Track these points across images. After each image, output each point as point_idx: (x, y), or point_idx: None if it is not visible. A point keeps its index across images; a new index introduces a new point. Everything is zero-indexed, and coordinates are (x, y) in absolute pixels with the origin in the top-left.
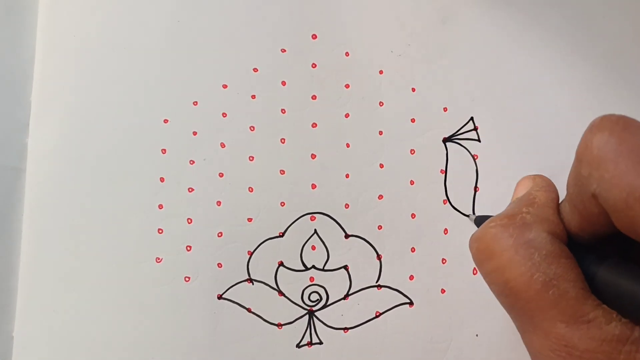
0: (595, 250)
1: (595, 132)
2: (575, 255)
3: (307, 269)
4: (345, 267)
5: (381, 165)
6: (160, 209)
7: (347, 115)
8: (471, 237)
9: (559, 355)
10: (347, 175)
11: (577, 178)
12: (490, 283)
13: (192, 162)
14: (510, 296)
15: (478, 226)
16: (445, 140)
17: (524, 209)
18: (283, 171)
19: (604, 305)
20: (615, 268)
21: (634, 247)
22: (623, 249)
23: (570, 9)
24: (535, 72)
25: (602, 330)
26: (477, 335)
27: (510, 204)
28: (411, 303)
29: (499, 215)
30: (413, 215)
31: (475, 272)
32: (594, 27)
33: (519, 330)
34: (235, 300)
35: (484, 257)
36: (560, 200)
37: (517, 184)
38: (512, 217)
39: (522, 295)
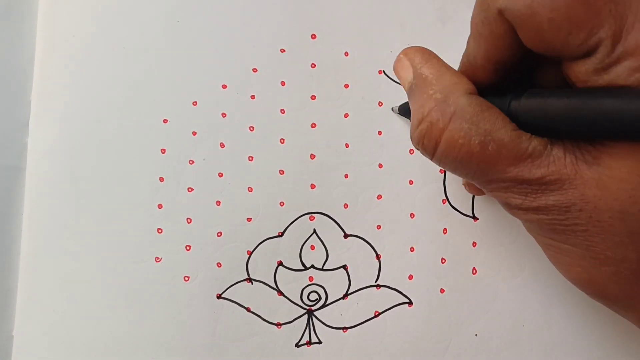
0: (506, 89)
1: None
2: (492, 99)
3: (306, 268)
4: (345, 267)
5: (380, 165)
6: (159, 208)
7: (346, 115)
8: (412, 138)
9: (520, 190)
10: (346, 175)
11: (481, 2)
12: (444, 166)
13: (191, 162)
14: (463, 167)
15: (402, 113)
16: None
17: (430, 91)
18: (282, 171)
19: (533, 136)
20: (530, 96)
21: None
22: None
23: None
24: None
25: (543, 157)
26: (476, 335)
27: (409, 91)
28: (410, 303)
29: (415, 109)
30: (412, 215)
31: (474, 271)
32: None
33: (483, 190)
34: (235, 300)
35: (430, 149)
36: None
37: (395, 68)
38: (427, 104)
39: (470, 162)
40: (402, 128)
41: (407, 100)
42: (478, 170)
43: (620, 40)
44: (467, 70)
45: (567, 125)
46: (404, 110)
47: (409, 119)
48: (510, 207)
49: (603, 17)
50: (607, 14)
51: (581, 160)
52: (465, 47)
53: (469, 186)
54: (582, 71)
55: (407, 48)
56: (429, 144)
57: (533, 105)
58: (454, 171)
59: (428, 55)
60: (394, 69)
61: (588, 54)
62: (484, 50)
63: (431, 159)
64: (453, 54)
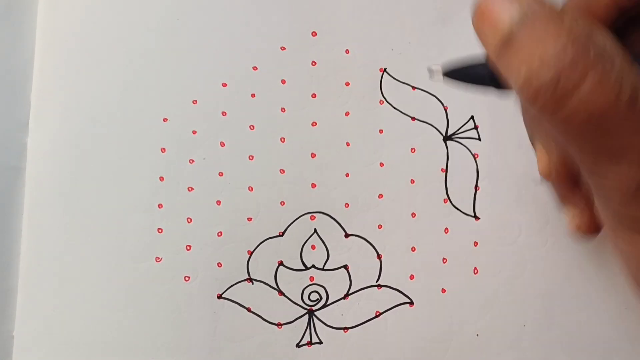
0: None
1: None
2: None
3: (307, 268)
4: (345, 267)
5: (381, 164)
6: (159, 208)
7: (347, 114)
8: (524, 86)
9: None
10: (347, 174)
11: None
12: (571, 126)
13: (191, 161)
14: (596, 129)
15: (456, 77)
16: (445, 139)
17: (565, 19)
18: (283, 170)
19: None
20: None
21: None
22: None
23: None
24: None
25: None
26: (477, 335)
27: (509, 40)
28: (411, 303)
29: (539, 50)
30: (413, 215)
31: (476, 271)
32: None
33: (589, 171)
34: (235, 300)
35: (561, 96)
36: None
37: (482, 11)
38: (568, 34)
39: (610, 121)
40: (403, 127)
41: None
42: (615, 135)
43: None
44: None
45: None
46: (457, 73)
47: (468, 83)
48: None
49: None
50: None
51: None
52: (465, 45)
53: (586, 225)
54: None
55: None
56: (564, 86)
57: None
58: (577, 135)
59: None
60: (478, 12)
61: None
62: None
63: (555, 113)
64: (453, 53)
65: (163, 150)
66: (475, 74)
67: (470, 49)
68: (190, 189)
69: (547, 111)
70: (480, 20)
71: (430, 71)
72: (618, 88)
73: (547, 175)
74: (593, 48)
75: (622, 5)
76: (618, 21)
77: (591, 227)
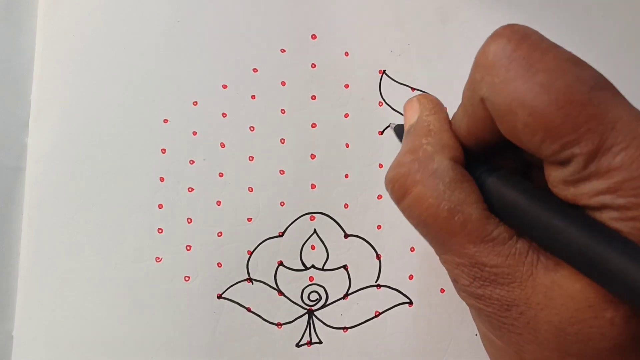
0: (485, 161)
1: (495, 38)
2: (468, 164)
3: (306, 268)
4: (345, 267)
5: (380, 165)
6: (160, 208)
7: (346, 115)
8: (385, 178)
9: (471, 271)
10: (346, 175)
11: (470, 82)
12: (407, 217)
13: (192, 161)
14: (424, 226)
15: (398, 134)
16: None
17: (424, 140)
18: (283, 171)
19: (502, 222)
20: (502, 180)
21: (523, 161)
22: (513, 161)
23: (570, 9)
24: None
25: (505, 246)
26: (476, 334)
27: (407, 132)
28: (411, 303)
29: (403, 151)
30: None
31: None
32: (593, 27)
33: (436, 253)
34: (235, 300)
35: (399, 196)
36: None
37: (405, 108)
38: (415, 152)
39: (433, 225)
40: (403, 128)
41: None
42: (438, 235)
43: (593, 159)
44: (454, 131)
45: (530, 229)
46: (400, 132)
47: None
48: (457, 284)
49: (581, 134)
50: (586, 131)
51: (542, 264)
52: (465, 47)
53: None
54: (552, 175)
55: (423, 95)
56: (399, 190)
57: (503, 190)
58: (415, 226)
59: (439, 108)
60: (404, 107)
61: (560, 163)
62: (466, 124)
63: (397, 205)
64: (453, 54)
65: (163, 150)
66: None
67: (470, 50)
68: (190, 189)
69: (393, 201)
70: (404, 110)
71: (390, 125)
72: (438, 203)
73: None
74: (426, 168)
75: (478, 136)
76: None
77: None
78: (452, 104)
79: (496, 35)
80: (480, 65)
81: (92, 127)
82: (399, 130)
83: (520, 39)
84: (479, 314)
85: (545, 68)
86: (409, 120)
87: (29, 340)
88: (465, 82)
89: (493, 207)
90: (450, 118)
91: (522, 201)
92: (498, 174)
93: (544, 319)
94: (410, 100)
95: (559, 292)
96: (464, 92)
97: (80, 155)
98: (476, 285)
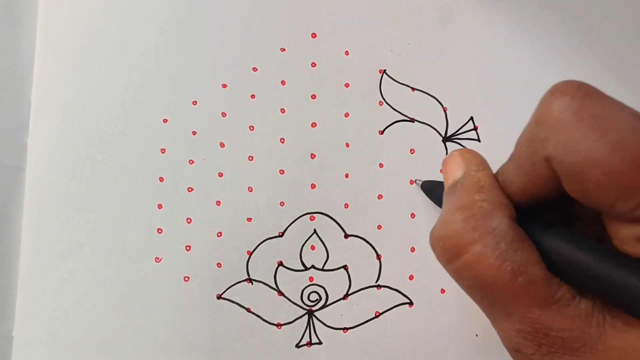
0: (534, 216)
1: (557, 95)
2: (521, 224)
3: (306, 268)
4: (345, 267)
5: (381, 165)
6: (159, 208)
7: (346, 115)
8: (432, 235)
9: (535, 338)
10: (346, 175)
11: (532, 140)
12: (458, 279)
13: (191, 161)
14: (481, 289)
15: (426, 192)
16: (445, 140)
17: (477, 197)
18: (282, 171)
19: (563, 282)
20: (560, 236)
21: (569, 214)
22: (553, 217)
23: (570, 9)
24: (535, 72)
25: (570, 307)
26: (477, 335)
27: (451, 187)
28: (411, 303)
29: (454, 207)
30: (413, 215)
31: None
32: (594, 27)
33: (491, 320)
34: (235, 300)
35: (450, 256)
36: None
37: (445, 163)
38: (470, 208)
39: (492, 287)
40: (402, 127)
41: (428, 179)
42: (499, 298)
43: None
44: (502, 188)
45: (596, 287)
46: (428, 188)
47: (431, 199)
48: (518, 354)
49: None
50: None
51: (609, 324)
52: (464, 46)
53: None
54: (622, 233)
55: (464, 149)
56: (452, 249)
57: (563, 247)
58: (468, 288)
59: (486, 165)
60: (444, 163)
61: (634, 220)
62: (522, 182)
63: (444, 266)
64: (453, 54)
65: (163, 150)
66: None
67: (470, 50)
68: (190, 189)
69: (440, 262)
70: (443, 165)
71: (415, 181)
72: (500, 264)
73: None
74: (484, 226)
75: (533, 194)
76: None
77: None
78: (452, 104)
79: (557, 92)
80: (545, 123)
81: (92, 127)
82: (427, 187)
83: (584, 96)
84: None
85: (616, 127)
86: (452, 175)
87: (29, 340)
88: (520, 139)
89: (553, 265)
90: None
91: (588, 258)
92: (555, 230)
93: None
94: (451, 155)
95: (634, 355)
96: (518, 149)
97: (80, 155)
98: (543, 353)
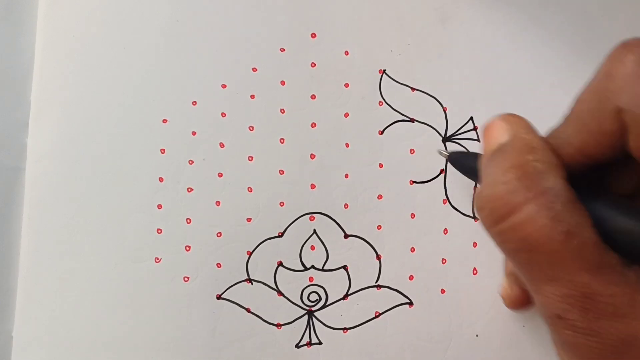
0: (589, 182)
1: (630, 48)
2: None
3: (306, 269)
4: (345, 267)
5: (380, 165)
6: (159, 208)
7: (346, 115)
8: (480, 197)
9: (582, 302)
10: (346, 175)
11: (601, 92)
12: (504, 242)
13: (191, 162)
14: (528, 251)
15: (454, 163)
16: (445, 140)
17: (530, 157)
18: (282, 171)
19: (612, 250)
20: (612, 204)
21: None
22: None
23: (570, 9)
24: (535, 72)
25: (621, 275)
26: (477, 335)
27: (498, 150)
28: (411, 303)
29: (505, 167)
30: (412, 215)
31: (475, 272)
32: (594, 27)
33: (532, 285)
34: (235, 300)
35: (499, 216)
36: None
37: (487, 128)
38: (523, 167)
39: (542, 249)
40: (402, 127)
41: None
42: (546, 261)
43: None
44: (558, 144)
45: None
46: (457, 160)
47: (461, 171)
48: (561, 320)
49: None
50: None
51: None
52: (464, 46)
53: (509, 299)
54: None
55: (508, 114)
56: (502, 208)
57: (614, 215)
58: (514, 251)
59: (533, 128)
60: (485, 129)
61: None
62: (581, 142)
63: (489, 227)
64: (453, 54)
65: (163, 151)
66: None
67: (470, 50)
68: (189, 189)
69: (485, 224)
70: (485, 131)
71: (440, 153)
72: (554, 224)
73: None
74: (538, 185)
75: (592, 156)
76: (603, 162)
77: (510, 304)
78: (452, 104)
79: (630, 46)
80: (618, 75)
81: (92, 127)
82: (456, 159)
83: None
84: (589, 352)
85: None
86: (496, 139)
87: (29, 340)
88: (582, 95)
89: (604, 232)
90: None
91: (638, 227)
92: (606, 198)
93: None
94: (495, 120)
95: None
96: (579, 105)
97: (80, 155)
98: (589, 319)
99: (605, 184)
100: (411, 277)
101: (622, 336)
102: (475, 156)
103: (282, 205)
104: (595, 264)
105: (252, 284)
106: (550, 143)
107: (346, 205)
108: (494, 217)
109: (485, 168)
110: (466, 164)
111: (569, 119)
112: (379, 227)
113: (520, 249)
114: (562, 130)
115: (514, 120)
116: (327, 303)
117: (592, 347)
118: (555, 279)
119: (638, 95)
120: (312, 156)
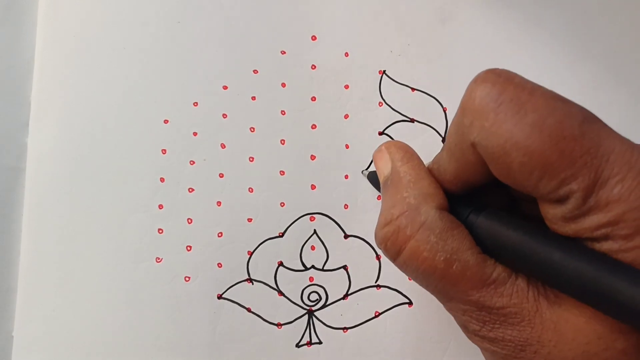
0: (470, 201)
1: (480, 83)
2: (453, 208)
3: (306, 269)
4: (345, 267)
5: None
6: (160, 209)
7: (346, 116)
8: (376, 237)
9: (479, 317)
10: (346, 176)
11: (458, 127)
12: (405, 272)
13: (192, 162)
14: (423, 279)
15: (371, 181)
16: (445, 140)
17: (404, 193)
18: (283, 172)
19: (498, 262)
20: (492, 219)
21: (502, 199)
22: (497, 198)
23: (570, 9)
24: (535, 72)
25: (507, 286)
26: None
27: (384, 185)
28: (410, 303)
29: (386, 208)
30: None
31: None
32: (593, 27)
33: (441, 302)
34: (235, 300)
35: (393, 254)
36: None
37: (374, 157)
38: (399, 206)
39: (432, 277)
40: (402, 128)
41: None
42: (439, 286)
43: (592, 194)
44: (436, 176)
45: (527, 266)
46: (373, 178)
47: (377, 189)
48: (468, 331)
49: (577, 169)
50: (582, 166)
51: (543, 297)
52: (464, 47)
53: None
54: (550, 213)
55: (390, 142)
56: (392, 247)
57: (495, 229)
58: (415, 280)
59: (410, 155)
60: (374, 156)
61: (558, 201)
62: (454, 169)
63: (393, 262)
64: (453, 54)
65: (164, 151)
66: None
67: (470, 50)
68: (190, 190)
69: (388, 258)
70: (374, 160)
71: (362, 172)
72: (433, 255)
73: None
74: (414, 222)
75: (466, 180)
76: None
77: None
78: (452, 104)
79: (480, 80)
80: (468, 109)
81: (92, 127)
82: (372, 177)
83: (505, 82)
84: (493, 356)
85: (534, 108)
86: (382, 171)
87: (29, 340)
88: (450, 127)
89: (487, 248)
90: (427, 164)
91: (518, 238)
92: (486, 214)
93: (558, 355)
94: (378, 150)
95: (567, 326)
96: (448, 137)
97: (80, 155)
98: (487, 329)
99: (488, 200)
100: (410, 277)
101: (517, 341)
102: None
103: (282, 206)
104: (480, 281)
105: (252, 283)
106: (430, 170)
107: (346, 206)
108: (390, 255)
109: (382, 199)
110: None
111: (443, 148)
112: None
113: (418, 277)
114: (440, 157)
115: (393, 150)
116: (327, 303)
117: (495, 351)
118: (452, 299)
119: (486, 129)
120: (313, 157)
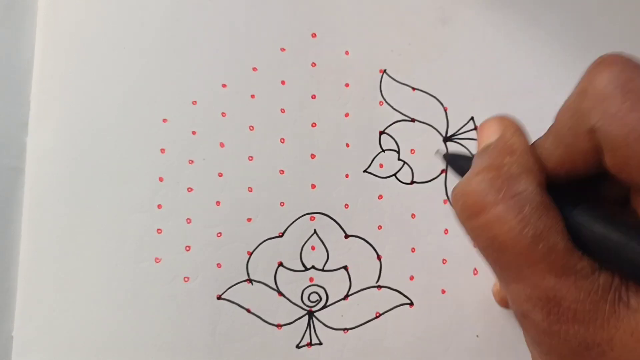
0: (568, 192)
1: (605, 66)
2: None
3: (306, 269)
4: (345, 268)
5: (381, 165)
6: (159, 208)
7: (346, 115)
8: (454, 191)
9: (546, 305)
10: (346, 175)
11: (576, 110)
12: (475, 238)
13: (191, 161)
14: (496, 250)
15: (449, 163)
16: (445, 140)
17: (507, 159)
18: (282, 171)
19: (585, 255)
20: (590, 212)
21: (599, 195)
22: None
23: (570, 9)
24: (535, 72)
25: (588, 281)
26: (477, 335)
27: (483, 150)
28: (411, 303)
29: (481, 167)
30: (413, 216)
31: (475, 272)
32: (593, 27)
33: (501, 282)
34: (235, 301)
35: (470, 213)
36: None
37: (482, 127)
38: (498, 169)
39: (510, 250)
40: (402, 128)
41: (447, 151)
42: (513, 262)
43: None
44: (541, 154)
45: (620, 263)
46: (453, 160)
47: (456, 172)
48: (525, 320)
49: None
50: None
51: (624, 302)
52: (465, 46)
53: (500, 296)
54: None
55: (504, 115)
56: (473, 206)
57: (591, 223)
58: (483, 248)
59: (523, 131)
60: (480, 127)
61: None
62: (559, 155)
63: (462, 222)
64: (453, 54)
65: (163, 150)
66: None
67: (470, 49)
68: (189, 189)
69: (458, 218)
70: (479, 130)
71: (438, 153)
72: (521, 227)
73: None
74: (509, 188)
75: (570, 169)
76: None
77: (501, 301)
78: (453, 104)
79: (606, 63)
80: (591, 93)
81: (91, 127)
82: (451, 159)
83: (633, 68)
84: (550, 350)
85: None
86: (486, 138)
87: (29, 340)
88: (561, 111)
89: (578, 240)
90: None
91: (616, 236)
92: (584, 206)
93: (629, 359)
94: (488, 120)
95: None
96: (559, 122)
97: (80, 155)
98: (551, 321)
99: (597, 190)
100: (412, 278)
101: (581, 340)
102: (471, 159)
103: (282, 205)
104: (562, 268)
105: (252, 284)
106: (534, 150)
107: (346, 205)
108: (466, 214)
109: (475, 162)
110: (461, 165)
111: (549, 133)
112: (380, 227)
113: (489, 247)
114: (544, 142)
115: (505, 122)
116: (328, 303)
117: (553, 346)
118: (521, 280)
119: (610, 115)
120: (313, 156)
